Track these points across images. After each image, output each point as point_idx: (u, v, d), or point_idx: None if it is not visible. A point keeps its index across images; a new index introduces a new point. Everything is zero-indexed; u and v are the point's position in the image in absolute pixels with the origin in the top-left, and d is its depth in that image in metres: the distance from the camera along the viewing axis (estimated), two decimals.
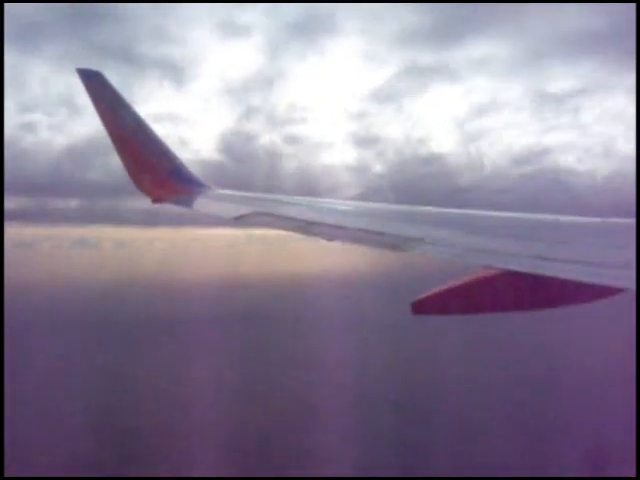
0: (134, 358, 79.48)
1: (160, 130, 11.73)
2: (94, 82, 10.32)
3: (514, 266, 5.50)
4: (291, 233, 7.82)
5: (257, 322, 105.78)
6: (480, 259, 5.94)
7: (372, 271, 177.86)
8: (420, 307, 6.03)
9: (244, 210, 9.12)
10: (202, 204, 10.55)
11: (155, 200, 10.91)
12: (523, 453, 50.12)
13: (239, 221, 8.80)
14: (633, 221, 6.50)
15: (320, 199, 10.14)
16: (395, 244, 6.50)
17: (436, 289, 6.18)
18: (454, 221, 7.53)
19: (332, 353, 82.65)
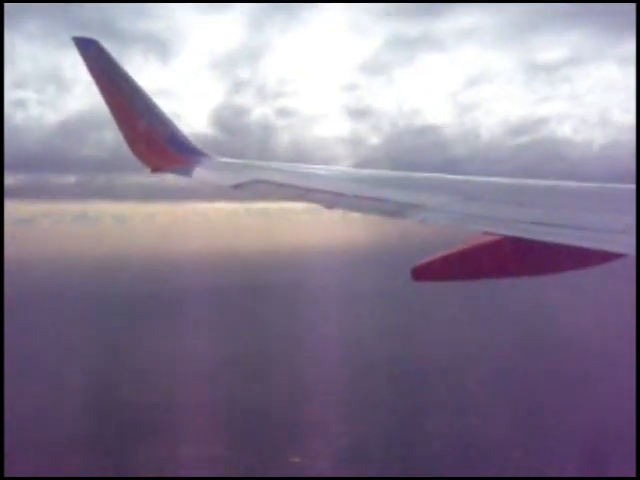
0: (134, 331, 79.95)
1: None
2: (90, 50, 10.15)
3: (513, 232, 5.49)
4: (290, 201, 7.81)
5: (257, 292, 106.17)
6: (479, 225, 5.93)
7: (371, 240, 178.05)
8: (420, 273, 6.05)
9: (243, 178, 9.08)
10: (201, 173, 10.51)
11: (154, 169, 10.86)
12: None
13: (238, 189, 8.78)
14: (632, 186, 6.46)
15: (319, 166, 10.09)
16: (395, 211, 6.48)
17: (436, 255, 6.20)
18: (453, 187, 7.49)
19: (330, 324, 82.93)
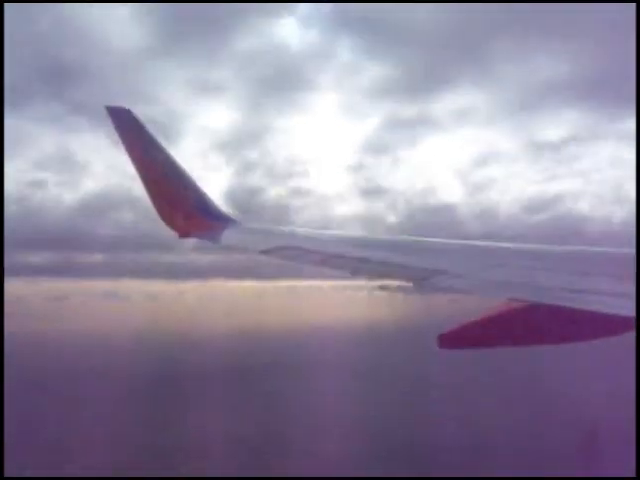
0: (158, 409, 77.95)
1: None
2: (123, 119, 10.53)
3: (541, 298, 5.46)
4: (316, 266, 7.88)
5: (283, 371, 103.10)
6: (504, 292, 5.91)
7: (396, 317, 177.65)
8: (447, 341, 5.99)
9: (270, 244, 9.18)
10: (229, 238, 10.63)
11: (182, 235, 11.05)
12: None
13: (265, 254, 8.89)
14: None
15: (344, 233, 10.19)
16: (419, 277, 6.51)
17: (463, 322, 6.14)
18: (476, 253, 7.51)
19: (350, 403, 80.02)
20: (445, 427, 65.96)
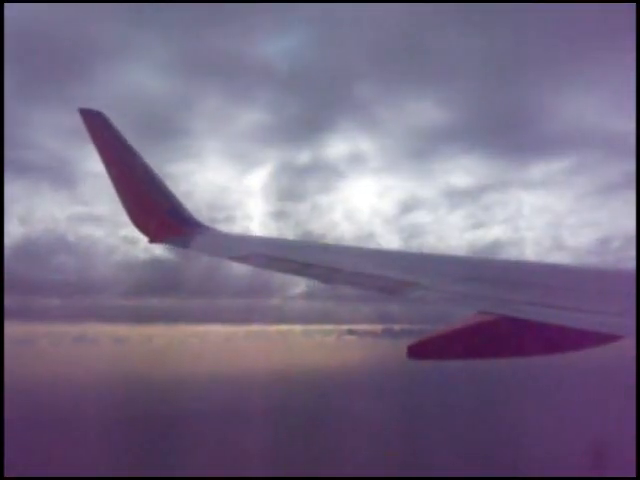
0: (131, 455, 75.41)
1: None
2: (96, 122, 10.51)
3: (508, 312, 5.49)
4: (287, 274, 7.81)
5: (254, 418, 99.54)
6: (475, 304, 5.93)
7: (369, 360, 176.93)
8: (416, 352, 5.97)
9: (242, 250, 9.10)
10: (200, 244, 10.52)
11: (152, 240, 10.90)
12: None
13: (236, 261, 8.80)
14: (629, 270, 6.51)
15: (316, 242, 10.15)
16: (391, 288, 6.49)
17: (431, 333, 6.14)
18: (450, 266, 7.53)
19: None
20: None
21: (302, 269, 7.67)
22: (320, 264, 7.74)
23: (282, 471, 63.13)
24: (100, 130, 10.50)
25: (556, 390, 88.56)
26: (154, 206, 10.99)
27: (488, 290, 6.31)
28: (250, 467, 64.38)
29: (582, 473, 45.51)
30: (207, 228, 11.35)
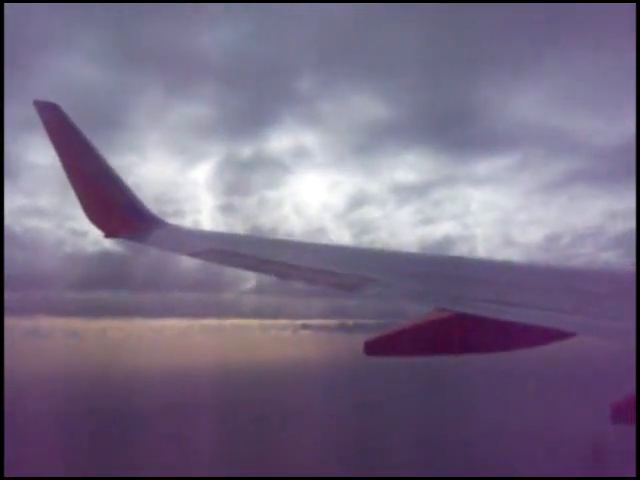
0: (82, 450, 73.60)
1: None
2: (51, 114, 10.24)
3: (464, 309, 5.52)
4: (244, 270, 7.73)
5: (211, 411, 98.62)
6: (432, 301, 5.95)
7: (325, 355, 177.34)
8: (372, 348, 5.97)
9: (200, 246, 9.00)
10: (157, 239, 10.36)
11: (108, 234, 10.68)
12: None
13: (194, 257, 8.68)
14: (585, 267, 6.66)
15: (276, 238, 10.10)
16: (348, 284, 6.48)
17: (389, 330, 6.15)
18: (409, 263, 7.56)
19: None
20: None
21: (260, 265, 7.62)
22: (277, 260, 7.69)
23: (231, 467, 63.22)
24: (56, 123, 10.25)
25: (511, 385, 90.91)
26: (111, 201, 10.79)
27: (445, 287, 6.36)
28: (200, 463, 64.24)
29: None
30: (164, 223, 11.16)
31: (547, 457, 57.14)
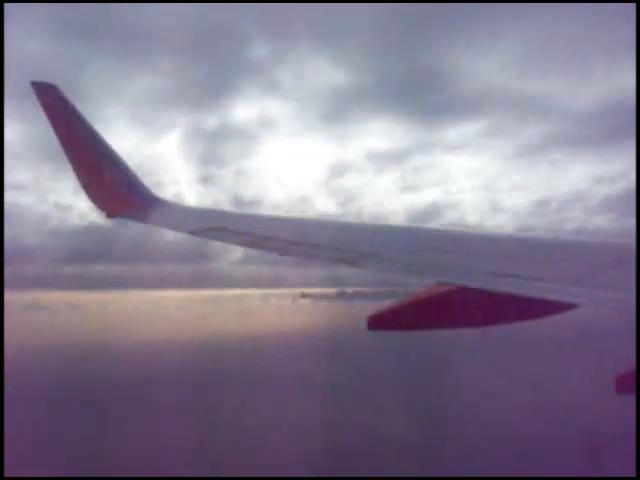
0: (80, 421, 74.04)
1: None
2: (49, 95, 10.19)
3: (467, 282, 5.54)
4: (246, 247, 7.74)
5: (214, 383, 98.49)
6: (434, 275, 5.97)
7: (326, 324, 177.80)
8: (375, 322, 6.01)
9: (200, 224, 9.02)
10: (157, 218, 10.40)
11: (109, 214, 10.71)
12: None
13: (195, 234, 8.69)
14: (588, 239, 6.65)
15: (277, 215, 10.10)
16: (350, 260, 6.50)
17: (392, 304, 6.18)
18: (409, 238, 7.56)
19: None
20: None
21: (261, 242, 7.63)
22: (278, 237, 7.71)
23: (229, 434, 64.31)
24: (54, 104, 10.20)
25: (515, 358, 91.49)
26: (111, 180, 10.83)
27: (446, 260, 6.37)
28: (198, 436, 64.47)
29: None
30: (164, 202, 11.19)
31: (547, 431, 57.76)
